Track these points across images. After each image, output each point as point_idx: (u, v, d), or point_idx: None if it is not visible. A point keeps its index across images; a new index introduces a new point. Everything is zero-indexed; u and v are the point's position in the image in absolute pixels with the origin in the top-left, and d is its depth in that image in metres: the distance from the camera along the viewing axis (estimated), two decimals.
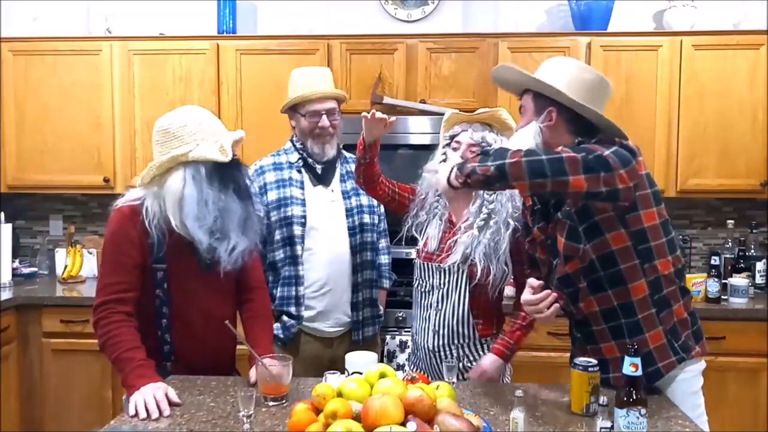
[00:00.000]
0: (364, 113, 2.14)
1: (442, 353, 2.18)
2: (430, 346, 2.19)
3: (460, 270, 2.14)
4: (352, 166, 2.57)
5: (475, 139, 2.17)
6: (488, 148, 2.08)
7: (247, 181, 2.00)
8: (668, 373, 1.81)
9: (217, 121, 1.97)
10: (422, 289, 2.25)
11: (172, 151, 1.88)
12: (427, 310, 2.22)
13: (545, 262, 1.92)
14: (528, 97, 1.91)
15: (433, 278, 2.20)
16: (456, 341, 2.17)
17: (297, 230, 2.43)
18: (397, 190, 2.33)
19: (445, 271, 2.17)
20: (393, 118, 2.19)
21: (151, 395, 1.73)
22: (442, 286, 2.18)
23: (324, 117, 2.42)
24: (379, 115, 2.10)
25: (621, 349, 1.76)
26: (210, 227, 1.86)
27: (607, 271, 1.79)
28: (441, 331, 2.18)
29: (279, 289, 2.46)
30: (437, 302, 2.19)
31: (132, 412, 1.71)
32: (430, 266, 2.21)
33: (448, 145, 2.22)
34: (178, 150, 1.87)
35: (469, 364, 2.17)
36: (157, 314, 1.96)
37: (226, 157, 1.86)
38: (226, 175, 1.90)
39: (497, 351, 2.12)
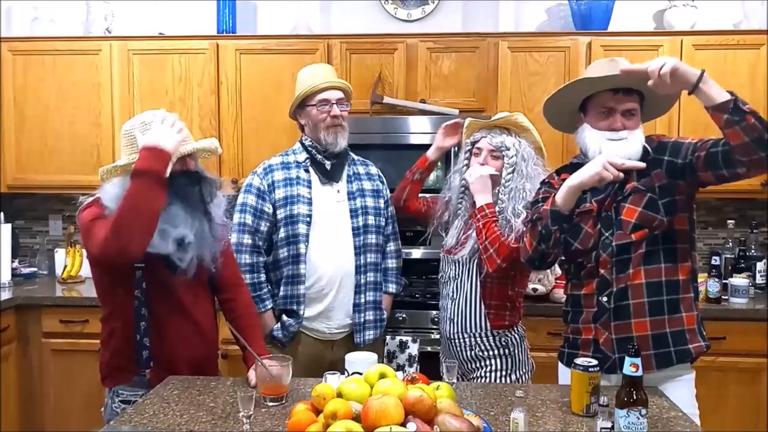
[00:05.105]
0: (445, 124, 2.51)
1: (457, 341, 2.34)
2: (447, 334, 2.38)
3: (472, 261, 2.30)
4: (360, 168, 2.61)
5: (495, 144, 2.31)
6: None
7: (204, 195, 1.96)
8: (697, 356, 1.92)
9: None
10: (443, 281, 2.43)
11: (119, 159, 1.93)
12: (445, 300, 2.40)
13: (591, 235, 1.95)
14: (636, 102, 1.99)
15: (450, 270, 2.38)
16: (468, 330, 2.32)
17: (302, 228, 2.42)
18: (430, 205, 2.55)
19: (458, 263, 2.34)
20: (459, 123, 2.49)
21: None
22: (456, 277, 2.35)
23: (335, 106, 2.44)
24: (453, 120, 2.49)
25: (653, 327, 1.88)
26: None
27: (666, 246, 1.90)
28: (455, 319, 2.34)
29: (282, 287, 2.45)
30: (453, 292, 2.36)
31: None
32: (447, 258, 2.40)
33: (469, 151, 2.39)
34: (119, 161, 1.92)
35: (480, 353, 2.31)
36: (136, 317, 1.93)
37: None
38: None
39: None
